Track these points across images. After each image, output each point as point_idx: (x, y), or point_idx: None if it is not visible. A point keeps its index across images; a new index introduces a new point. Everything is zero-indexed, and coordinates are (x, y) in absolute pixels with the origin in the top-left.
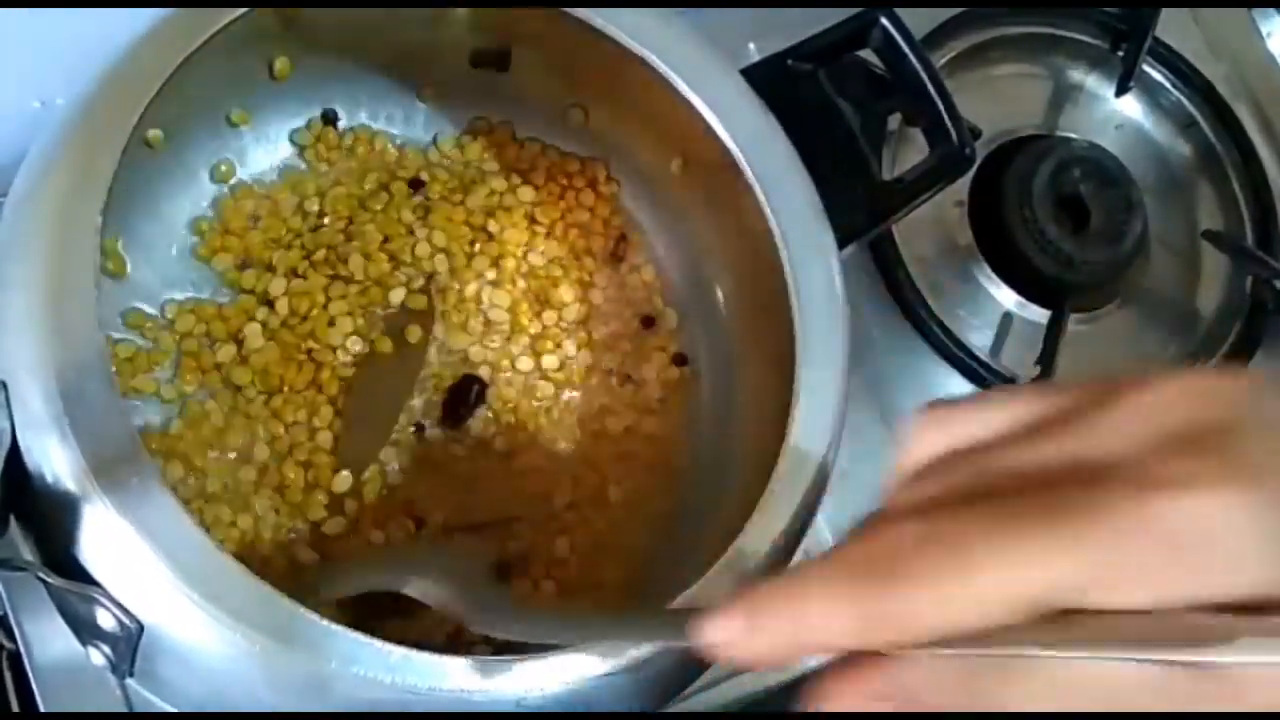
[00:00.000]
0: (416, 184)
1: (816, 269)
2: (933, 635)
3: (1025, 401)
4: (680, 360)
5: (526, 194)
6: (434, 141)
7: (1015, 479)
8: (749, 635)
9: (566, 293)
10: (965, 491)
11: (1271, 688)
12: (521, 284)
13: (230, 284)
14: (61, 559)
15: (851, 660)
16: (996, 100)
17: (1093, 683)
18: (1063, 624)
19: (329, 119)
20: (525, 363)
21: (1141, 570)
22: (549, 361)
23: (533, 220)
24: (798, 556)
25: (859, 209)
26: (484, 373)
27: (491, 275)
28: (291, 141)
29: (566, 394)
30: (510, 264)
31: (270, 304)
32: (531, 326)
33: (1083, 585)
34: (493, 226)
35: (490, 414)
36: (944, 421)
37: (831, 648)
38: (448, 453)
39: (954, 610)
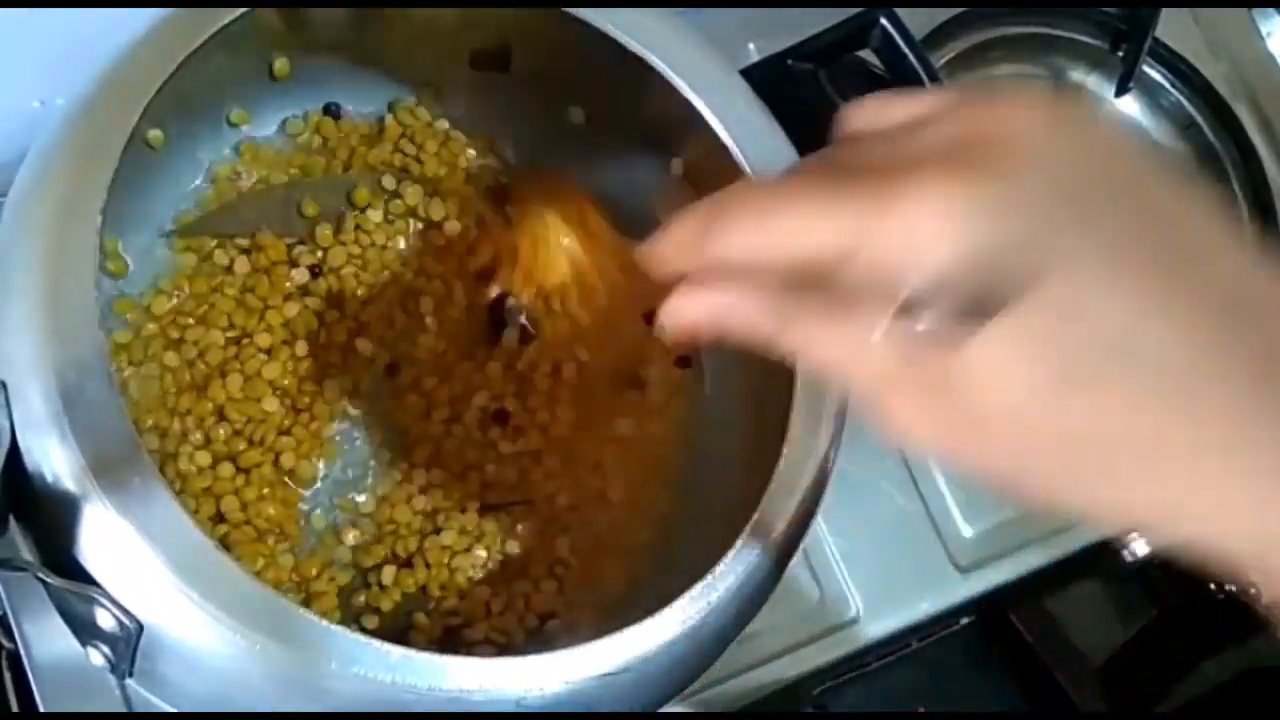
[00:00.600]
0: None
1: None
2: (743, 255)
3: (940, 97)
4: (683, 363)
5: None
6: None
7: (861, 163)
8: (666, 245)
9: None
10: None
11: None
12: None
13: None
14: (61, 559)
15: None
16: None
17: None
18: None
19: (330, 111)
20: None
21: (872, 244)
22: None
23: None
24: (798, 556)
25: None
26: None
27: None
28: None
29: (568, 395)
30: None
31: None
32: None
33: (842, 246)
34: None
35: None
36: (876, 104)
37: (689, 252)
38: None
39: (757, 241)
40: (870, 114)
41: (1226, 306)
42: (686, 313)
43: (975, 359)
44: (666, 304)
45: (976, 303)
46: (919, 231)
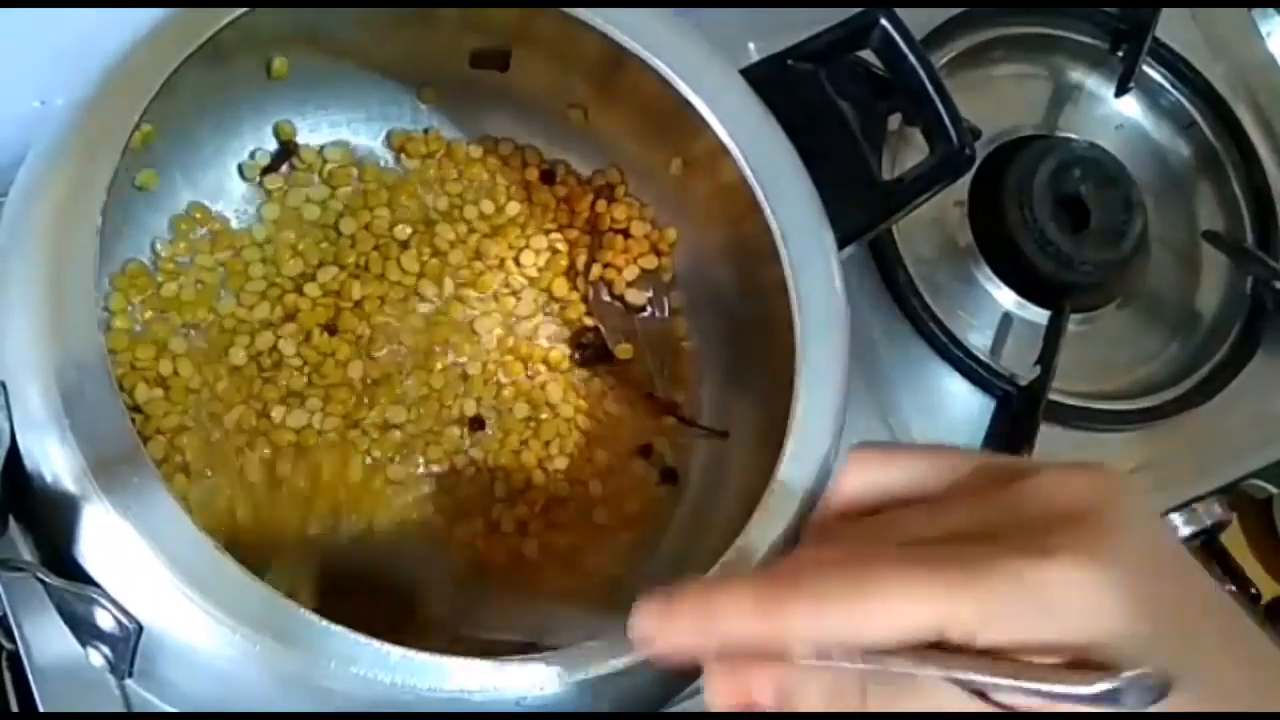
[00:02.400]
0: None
1: (817, 268)
2: (817, 648)
3: (944, 463)
4: (668, 476)
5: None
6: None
7: (922, 536)
8: (665, 624)
9: (568, 297)
10: (879, 538)
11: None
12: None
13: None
14: (61, 559)
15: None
16: (996, 100)
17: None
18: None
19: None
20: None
21: (1012, 616)
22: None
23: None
24: None
25: (859, 209)
26: (487, 371)
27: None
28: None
29: (566, 397)
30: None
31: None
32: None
33: (962, 624)
34: (493, 241)
35: (494, 403)
36: (874, 464)
37: (734, 645)
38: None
39: (838, 629)
40: (871, 475)
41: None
42: (741, 693)
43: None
44: (708, 690)
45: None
46: (1058, 592)
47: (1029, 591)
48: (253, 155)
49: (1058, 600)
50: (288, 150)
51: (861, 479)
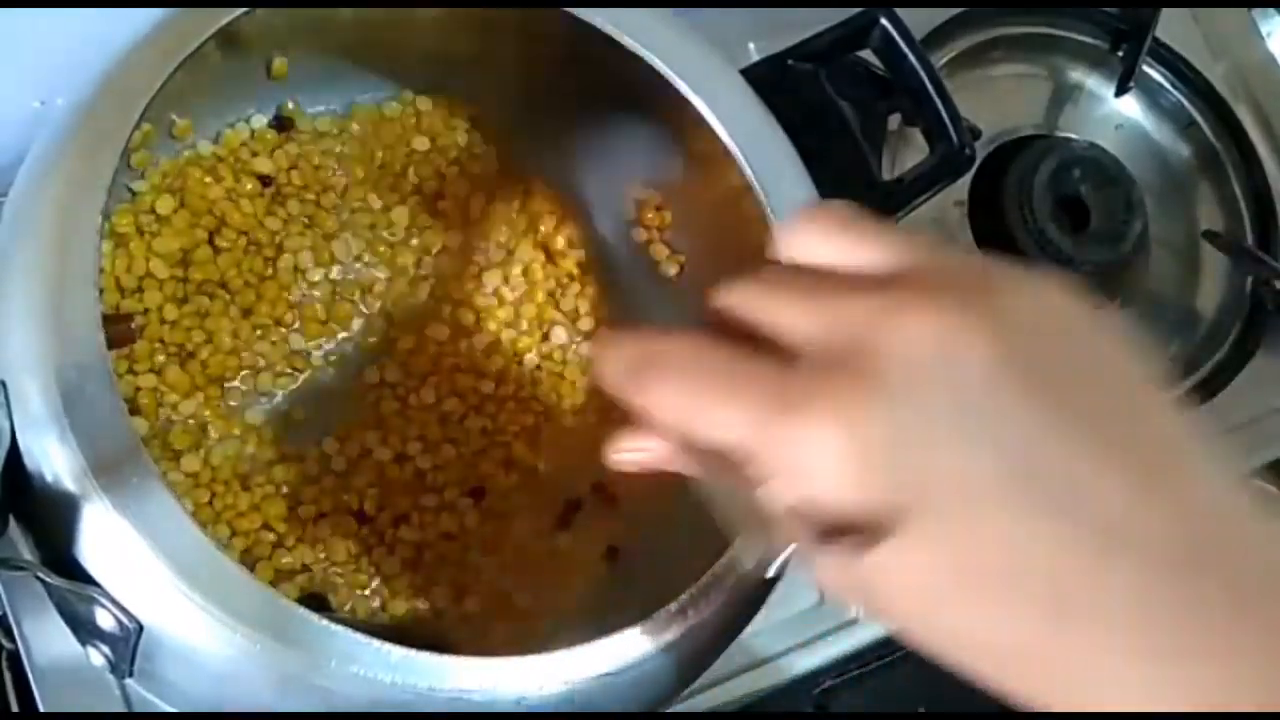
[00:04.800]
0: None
1: None
2: (667, 417)
3: (895, 255)
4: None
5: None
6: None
7: (776, 339)
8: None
9: (568, 300)
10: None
11: None
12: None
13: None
14: (61, 559)
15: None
16: (996, 100)
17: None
18: None
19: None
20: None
21: (765, 465)
22: (553, 361)
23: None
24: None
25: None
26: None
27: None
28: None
29: (566, 400)
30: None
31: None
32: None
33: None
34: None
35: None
36: (822, 236)
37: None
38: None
39: (676, 416)
40: (815, 244)
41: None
42: (624, 462)
43: (873, 567)
44: (611, 450)
45: (870, 519)
46: (809, 455)
47: (780, 445)
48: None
49: (799, 461)
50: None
51: (805, 249)
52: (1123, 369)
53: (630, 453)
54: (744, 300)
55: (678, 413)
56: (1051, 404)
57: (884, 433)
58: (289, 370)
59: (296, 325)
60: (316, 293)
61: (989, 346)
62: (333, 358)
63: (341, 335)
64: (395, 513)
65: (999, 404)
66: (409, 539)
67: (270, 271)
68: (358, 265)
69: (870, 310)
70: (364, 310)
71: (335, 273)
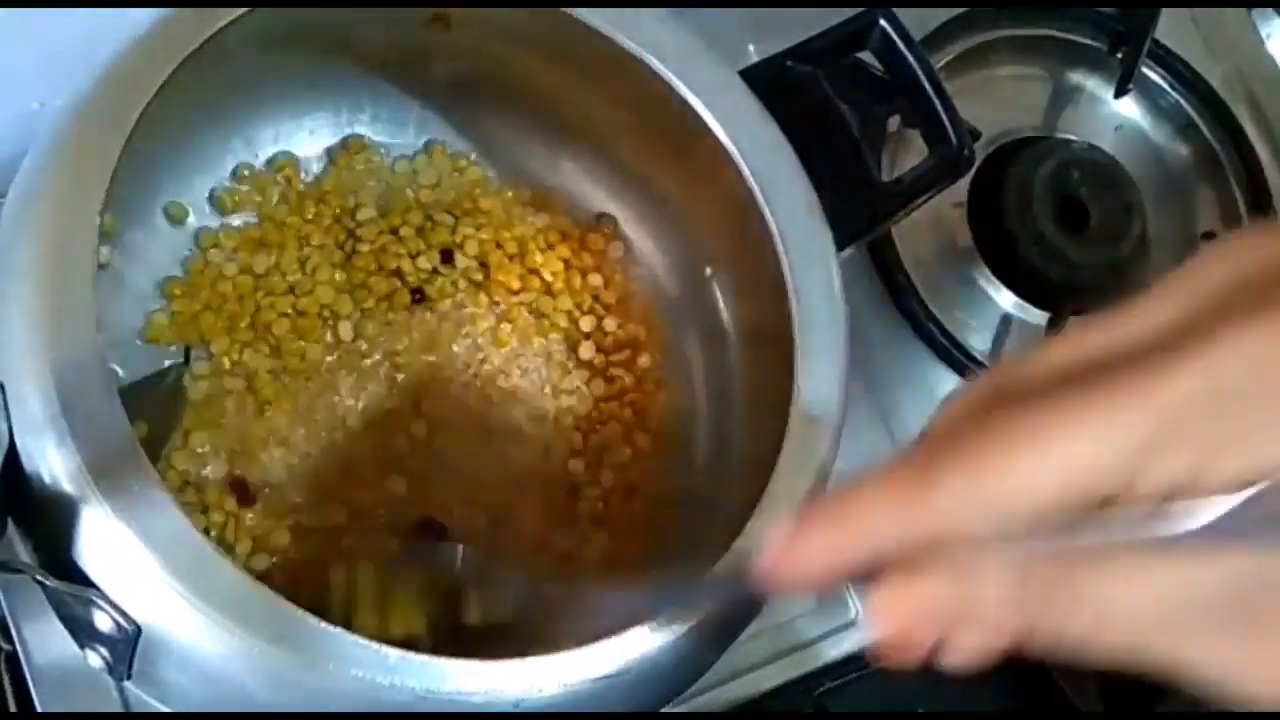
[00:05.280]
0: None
1: (816, 270)
2: (974, 523)
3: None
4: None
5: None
6: (428, 150)
7: (1052, 376)
8: (799, 546)
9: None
10: (1005, 395)
11: None
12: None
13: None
14: (59, 561)
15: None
16: (996, 102)
17: (1170, 587)
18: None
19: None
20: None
21: (1176, 435)
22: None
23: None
24: None
25: (858, 210)
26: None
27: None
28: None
29: (566, 402)
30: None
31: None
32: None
33: (1120, 464)
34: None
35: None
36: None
37: (876, 548)
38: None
39: (992, 496)
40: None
41: None
42: (902, 613)
43: None
44: (873, 602)
45: None
46: (1262, 395)
47: (1182, 397)
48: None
49: (1218, 395)
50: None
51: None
52: None
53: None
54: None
55: (1015, 476)
56: None
57: None
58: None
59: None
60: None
61: None
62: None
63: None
64: None
65: None
66: None
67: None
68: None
69: (1224, 260)
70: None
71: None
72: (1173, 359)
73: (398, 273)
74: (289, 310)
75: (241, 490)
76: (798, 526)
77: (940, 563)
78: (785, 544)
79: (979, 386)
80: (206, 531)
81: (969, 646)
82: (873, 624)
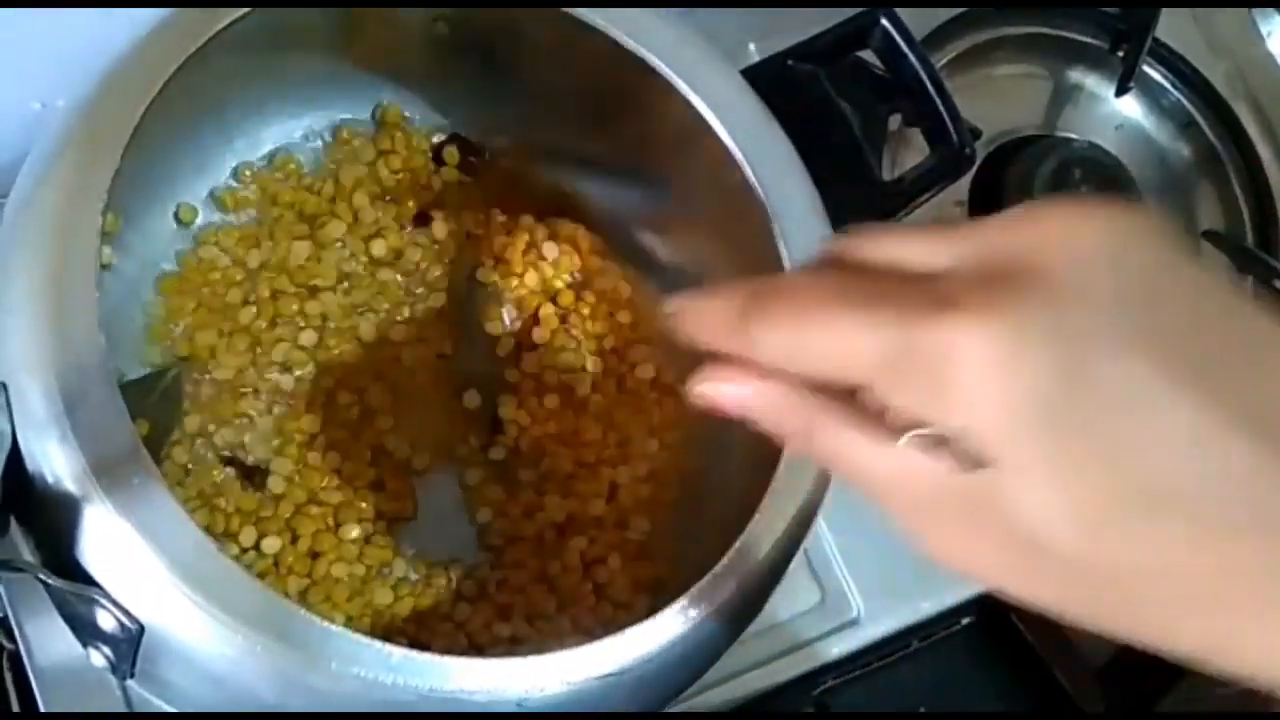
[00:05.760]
0: (423, 217)
1: None
2: (777, 356)
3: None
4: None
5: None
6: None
7: (864, 266)
8: (691, 317)
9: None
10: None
11: None
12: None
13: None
14: (62, 560)
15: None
16: (997, 100)
17: (898, 466)
18: None
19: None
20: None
21: (900, 377)
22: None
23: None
24: (798, 556)
25: (859, 209)
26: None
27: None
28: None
29: (567, 404)
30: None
31: None
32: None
33: (859, 372)
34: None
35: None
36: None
37: (721, 334)
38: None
39: (781, 350)
40: (879, 247)
41: None
42: (714, 396)
43: (1014, 486)
44: (695, 379)
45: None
46: (963, 368)
47: (928, 344)
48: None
49: (950, 360)
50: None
51: (870, 248)
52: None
53: (717, 392)
54: (870, 240)
55: (793, 343)
56: (1196, 322)
57: (1044, 338)
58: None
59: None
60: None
61: (1147, 250)
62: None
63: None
64: None
65: (1143, 317)
66: None
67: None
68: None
69: (991, 239)
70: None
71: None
72: (930, 309)
73: (396, 271)
74: (288, 310)
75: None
76: (695, 303)
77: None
78: (688, 309)
79: (834, 247)
80: (206, 529)
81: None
82: (697, 394)
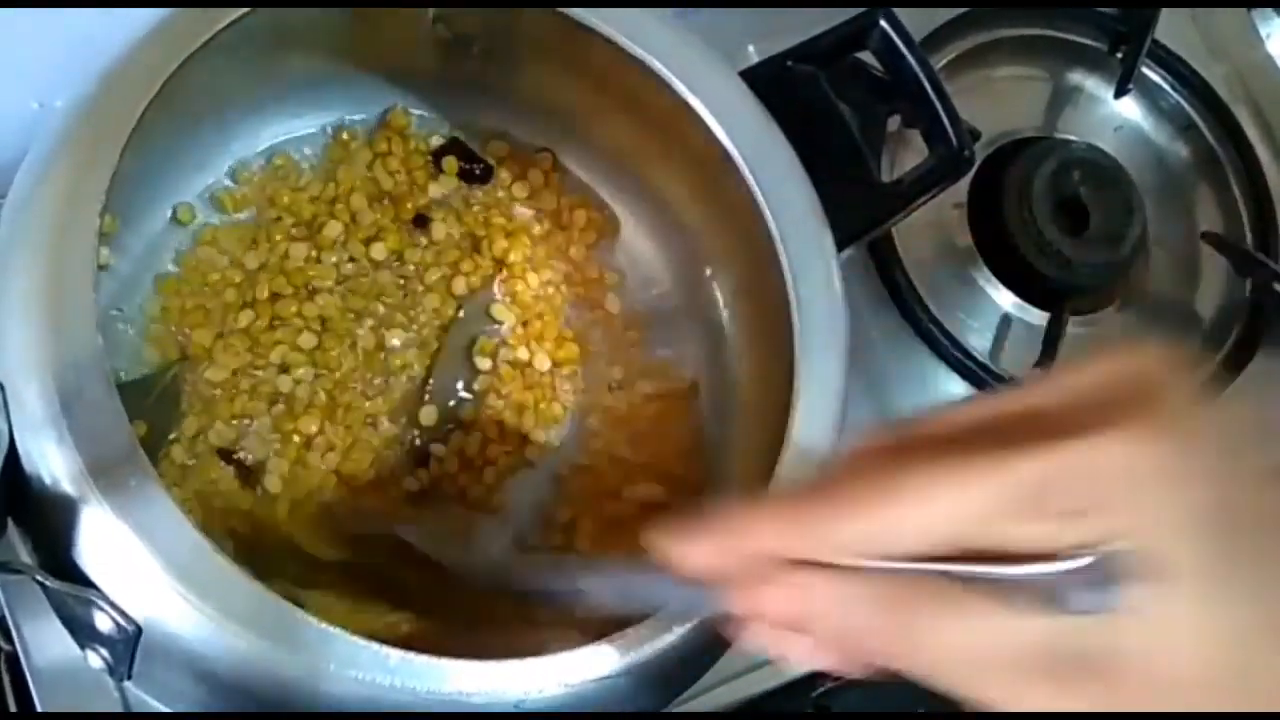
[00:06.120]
0: (421, 219)
1: (816, 270)
2: (846, 555)
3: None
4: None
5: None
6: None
7: (950, 433)
8: (697, 540)
9: (563, 304)
10: (899, 448)
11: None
12: (525, 298)
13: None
14: (59, 561)
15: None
16: (996, 102)
17: (997, 637)
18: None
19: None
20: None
21: (1036, 505)
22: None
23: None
24: None
25: (858, 211)
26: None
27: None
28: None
29: (568, 405)
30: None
31: None
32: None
33: (974, 527)
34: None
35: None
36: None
37: (764, 552)
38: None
39: (872, 534)
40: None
41: None
42: (766, 610)
43: (1166, 614)
44: (738, 596)
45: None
46: (1130, 482)
47: (1054, 472)
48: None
49: (1092, 477)
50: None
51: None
52: None
53: (770, 606)
54: (933, 416)
55: (876, 526)
56: None
57: (1183, 466)
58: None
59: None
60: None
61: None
62: None
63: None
64: None
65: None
66: None
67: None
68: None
69: (1138, 367)
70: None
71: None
72: (1036, 443)
73: (395, 269)
74: (287, 312)
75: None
76: (700, 526)
77: (798, 577)
78: (685, 538)
79: (881, 437)
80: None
81: (807, 652)
82: (739, 608)
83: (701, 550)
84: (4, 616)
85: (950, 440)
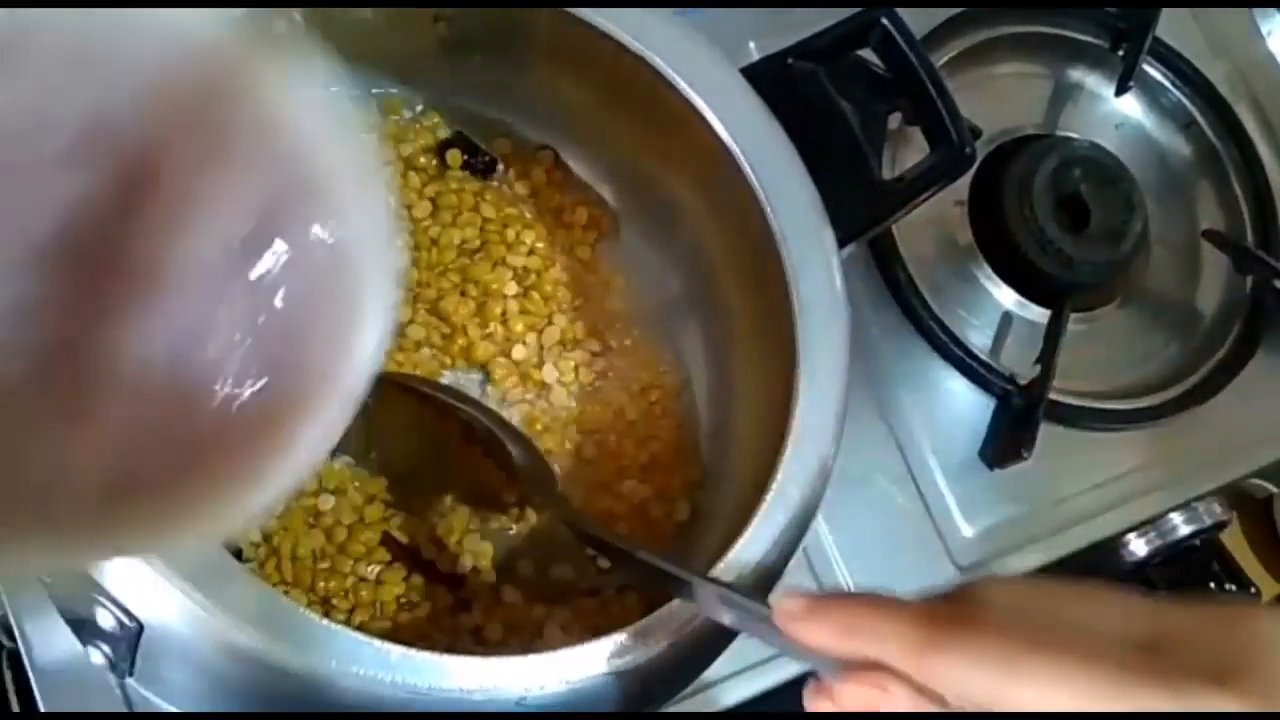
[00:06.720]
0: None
1: (816, 269)
2: (967, 705)
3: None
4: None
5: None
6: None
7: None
8: (814, 618)
9: (564, 302)
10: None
11: None
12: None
13: None
14: None
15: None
16: (997, 100)
17: None
18: None
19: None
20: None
21: None
22: (549, 373)
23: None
24: (798, 555)
25: (859, 208)
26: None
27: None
28: None
29: (568, 403)
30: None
31: None
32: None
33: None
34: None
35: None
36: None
37: (883, 660)
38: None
39: (996, 700)
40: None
41: None
42: (850, 703)
43: None
44: (836, 679)
45: None
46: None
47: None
48: None
49: None
50: None
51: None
52: None
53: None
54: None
55: (989, 687)
56: None
57: None
58: None
59: None
60: None
61: None
62: None
63: None
64: None
65: None
66: None
67: None
68: None
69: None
70: None
71: None
72: (1190, 681)
73: None
74: None
75: None
76: (820, 604)
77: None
78: (807, 608)
79: (1044, 585)
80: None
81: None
82: (830, 696)
83: (823, 631)
84: (6, 613)
85: (1061, 634)
